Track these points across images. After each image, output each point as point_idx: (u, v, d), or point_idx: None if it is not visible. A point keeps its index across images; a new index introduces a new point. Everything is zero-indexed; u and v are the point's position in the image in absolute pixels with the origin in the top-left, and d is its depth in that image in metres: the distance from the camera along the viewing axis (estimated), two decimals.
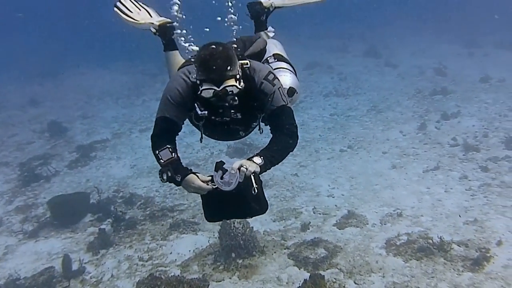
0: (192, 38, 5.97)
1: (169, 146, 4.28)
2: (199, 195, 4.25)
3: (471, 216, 11.11)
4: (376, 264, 9.54)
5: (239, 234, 10.05)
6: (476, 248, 9.63)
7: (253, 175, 4.06)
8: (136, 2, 6.14)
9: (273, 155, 4.30)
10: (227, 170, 3.98)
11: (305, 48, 32.15)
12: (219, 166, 4.03)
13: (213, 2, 7.38)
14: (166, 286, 8.69)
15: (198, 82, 4.18)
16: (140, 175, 15.70)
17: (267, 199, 4.33)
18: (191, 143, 17.17)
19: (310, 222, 11.51)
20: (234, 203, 4.18)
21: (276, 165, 4.37)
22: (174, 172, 4.20)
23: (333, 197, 12.99)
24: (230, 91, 4.12)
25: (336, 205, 12.45)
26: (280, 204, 12.78)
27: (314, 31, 39.61)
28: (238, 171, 3.93)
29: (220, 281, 9.49)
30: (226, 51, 4.18)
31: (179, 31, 5.91)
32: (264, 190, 4.23)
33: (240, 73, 4.28)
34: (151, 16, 6.06)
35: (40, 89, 29.25)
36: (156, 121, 4.51)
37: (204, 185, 4.12)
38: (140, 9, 6.11)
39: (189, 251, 10.83)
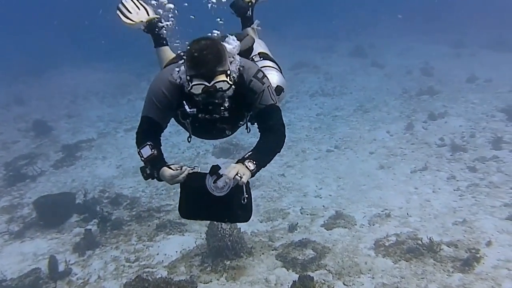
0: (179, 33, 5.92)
1: (149, 143, 4.25)
2: (180, 187, 4.18)
3: (460, 216, 11.09)
4: (365, 265, 9.49)
5: (227, 235, 9.97)
6: (466, 249, 9.60)
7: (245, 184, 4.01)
8: (137, 1, 6.09)
9: (263, 158, 4.25)
10: (221, 176, 3.90)
11: (291, 48, 32.09)
12: (215, 170, 3.93)
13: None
14: None
15: (188, 77, 4.09)
16: (126, 175, 15.60)
17: (253, 204, 4.23)
18: (177, 142, 17.13)
19: (297, 223, 11.45)
20: (217, 205, 4.07)
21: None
22: (152, 168, 4.20)
23: (321, 197, 12.95)
24: (219, 87, 4.05)
25: (323, 206, 12.40)
26: (267, 205, 12.72)
27: (300, 31, 39.52)
28: (232, 179, 3.86)
29: (208, 282, 9.41)
30: (217, 46, 4.11)
31: (167, 24, 5.87)
32: (251, 195, 4.16)
33: (231, 70, 4.21)
34: (149, 15, 6.04)
35: (25, 88, 29.10)
36: (141, 119, 4.48)
37: (174, 172, 4.05)
38: (139, 8, 6.09)
39: (176, 252, 10.75)
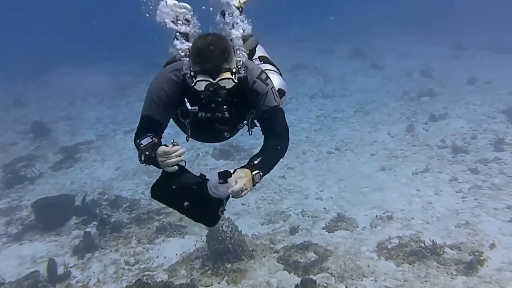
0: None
1: (150, 135, 4.05)
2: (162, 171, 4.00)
3: (462, 219, 11.01)
4: (367, 268, 9.38)
5: (228, 238, 9.86)
6: (469, 251, 9.51)
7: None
8: None
9: (269, 167, 4.14)
10: (227, 182, 3.79)
11: (290, 49, 32.04)
12: (225, 176, 3.77)
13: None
14: None
15: (192, 73, 4.01)
16: (125, 177, 15.50)
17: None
18: None
19: (299, 225, 11.35)
20: (193, 200, 3.98)
21: None
22: (152, 151, 3.97)
23: (322, 199, 12.86)
24: (223, 86, 3.97)
25: (325, 208, 12.31)
26: (268, 207, 12.63)
27: (298, 33, 39.51)
28: (235, 192, 3.74)
29: (209, 286, 9.30)
30: (224, 42, 4.03)
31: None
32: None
33: (236, 68, 4.12)
34: None
35: (24, 90, 28.99)
36: (141, 119, 4.33)
37: (167, 148, 3.85)
38: None
39: (176, 255, 10.64)
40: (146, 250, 11.01)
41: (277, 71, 5.33)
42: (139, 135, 4.15)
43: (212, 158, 16.19)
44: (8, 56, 35.42)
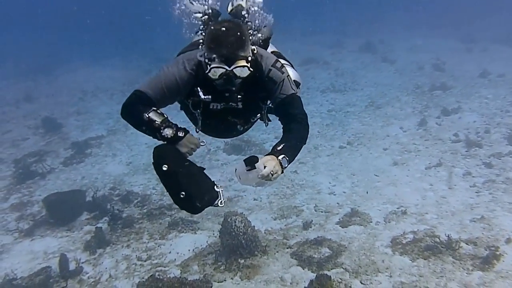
0: None
1: (154, 109, 4.02)
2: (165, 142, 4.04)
3: (477, 213, 10.91)
4: (382, 264, 9.29)
5: (241, 233, 9.79)
6: (485, 246, 9.41)
7: (221, 189, 3.95)
8: None
9: (294, 152, 4.03)
10: (254, 168, 3.70)
11: (300, 44, 31.99)
12: (251, 162, 3.70)
13: None
14: None
15: (206, 60, 3.92)
16: (136, 172, 15.47)
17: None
18: None
19: (312, 220, 11.27)
20: (187, 180, 3.92)
21: None
22: (177, 129, 3.98)
23: (335, 194, 12.78)
24: (238, 75, 3.90)
25: (338, 203, 12.23)
26: (280, 202, 12.55)
27: (307, 27, 39.36)
28: (265, 176, 3.66)
29: (222, 281, 9.24)
30: (240, 29, 3.95)
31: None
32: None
33: (251, 56, 4.04)
34: None
35: (34, 85, 29.07)
36: (134, 92, 4.18)
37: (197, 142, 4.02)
38: None
39: (189, 250, 10.57)
40: (158, 246, 10.95)
41: (290, 64, 5.24)
42: (130, 109, 4.13)
43: (223, 153, 16.14)
44: (18, 52, 35.43)
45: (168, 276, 9.26)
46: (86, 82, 28.92)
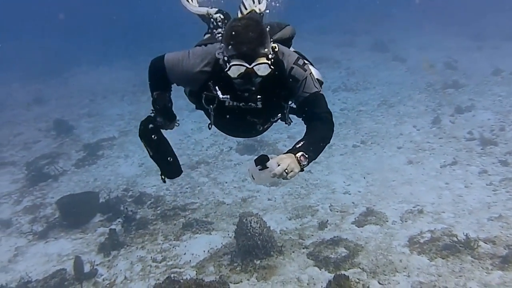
0: None
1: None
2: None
3: (495, 212, 10.77)
4: (400, 263, 9.19)
5: (256, 234, 9.71)
6: (504, 245, 9.26)
7: None
8: None
9: (315, 150, 3.92)
10: (266, 167, 3.60)
11: (309, 43, 31.81)
12: (262, 161, 3.62)
13: None
14: None
15: (225, 58, 3.83)
16: (149, 173, 15.40)
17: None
18: (199, 140, 16.94)
19: (327, 220, 11.17)
20: (170, 148, 4.56)
21: None
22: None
23: (350, 194, 12.69)
24: (259, 73, 3.78)
25: (353, 202, 12.13)
26: (294, 202, 12.48)
27: (316, 26, 39.30)
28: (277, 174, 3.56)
29: (238, 282, 9.17)
30: (261, 26, 3.85)
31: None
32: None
33: (272, 54, 3.93)
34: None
35: (45, 88, 29.18)
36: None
37: None
38: None
39: (204, 251, 10.53)
40: (173, 247, 10.91)
41: (310, 63, 5.14)
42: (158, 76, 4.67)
43: (236, 153, 16.06)
44: (27, 55, 35.48)
45: (184, 277, 9.21)
46: (96, 84, 29.06)
